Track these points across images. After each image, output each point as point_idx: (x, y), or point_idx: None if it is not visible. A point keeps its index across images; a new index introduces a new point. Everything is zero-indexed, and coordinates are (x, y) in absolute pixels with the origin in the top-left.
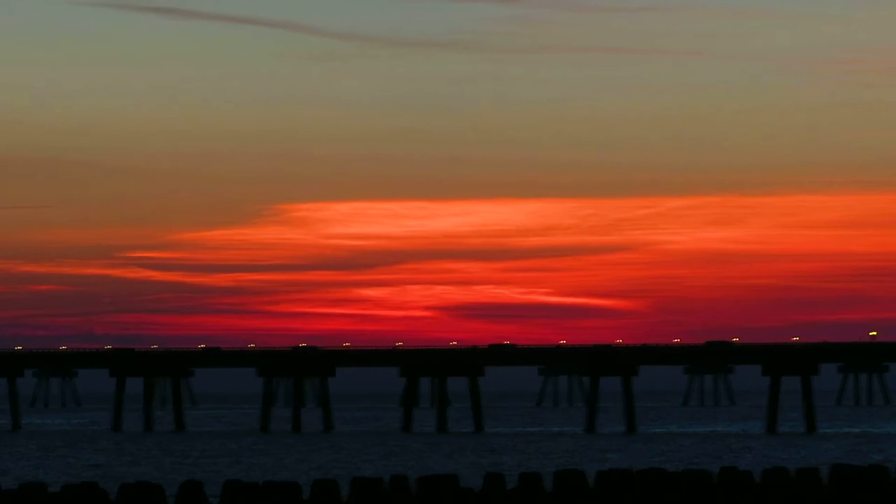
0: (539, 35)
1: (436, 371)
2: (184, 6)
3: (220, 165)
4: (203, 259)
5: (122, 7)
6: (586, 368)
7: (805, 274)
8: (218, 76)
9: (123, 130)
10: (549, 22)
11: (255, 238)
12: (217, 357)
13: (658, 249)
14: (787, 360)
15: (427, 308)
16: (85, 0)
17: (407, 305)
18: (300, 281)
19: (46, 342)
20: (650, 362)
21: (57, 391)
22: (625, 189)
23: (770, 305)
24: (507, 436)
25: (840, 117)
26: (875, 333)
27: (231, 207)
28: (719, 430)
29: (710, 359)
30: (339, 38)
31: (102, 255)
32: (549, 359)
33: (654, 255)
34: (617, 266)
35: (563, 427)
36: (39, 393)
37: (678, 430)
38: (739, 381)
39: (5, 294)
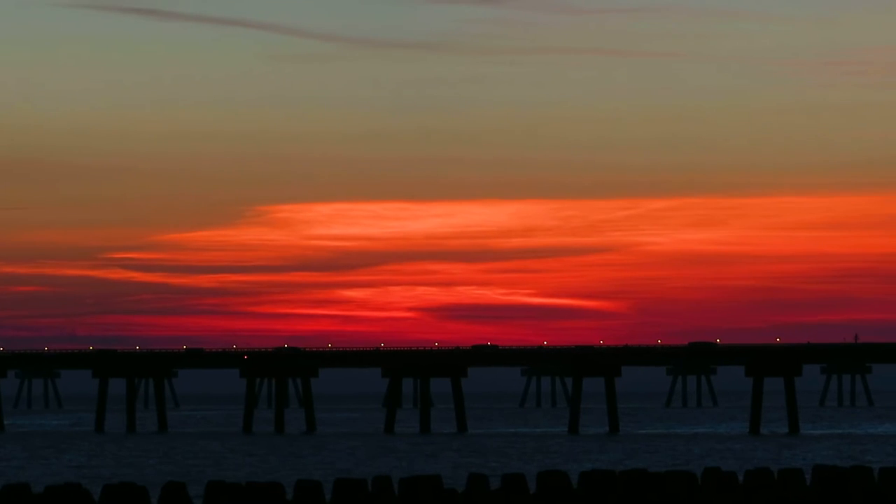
0: (521, 36)
1: (418, 372)
2: (165, 7)
3: (202, 166)
4: (185, 260)
5: (103, 8)
6: (569, 369)
7: (787, 275)
8: (199, 77)
9: (105, 131)
10: (530, 23)
11: (238, 239)
12: (200, 358)
13: (640, 251)
14: (770, 361)
15: (409, 309)
16: (66, 1)
17: (389, 306)
18: (282, 282)
19: (29, 343)
20: (633, 363)
21: (40, 392)
22: (606, 190)
23: (752, 307)
24: (491, 437)
25: (822, 118)
26: (858, 334)
27: (213, 209)
28: (702, 431)
29: (692, 360)
30: (321, 39)
31: (85, 257)
32: (532, 360)
33: (635, 256)
34: (599, 267)
35: (546, 428)
36: (22, 394)
37: (661, 431)
38: (722, 382)
39: None
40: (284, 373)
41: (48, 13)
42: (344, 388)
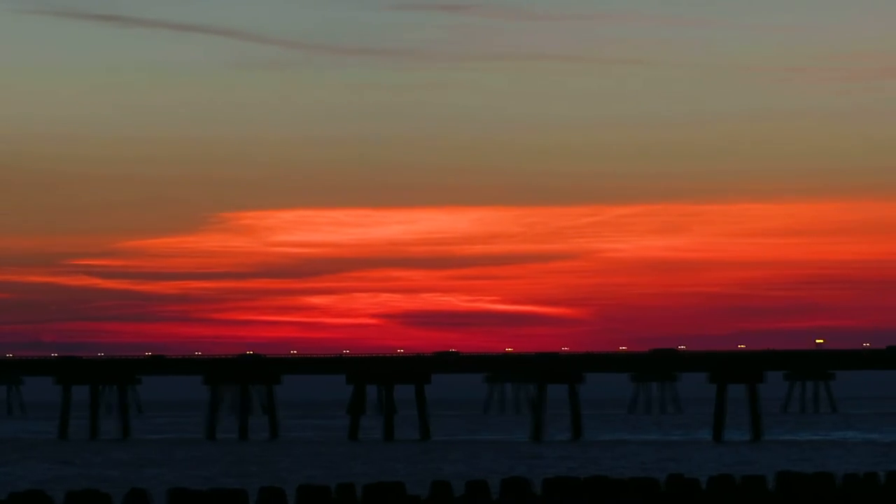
0: (483, 43)
1: (382, 379)
2: (127, 14)
3: (164, 173)
4: (148, 267)
5: (65, 15)
6: (533, 376)
7: (750, 282)
8: (162, 84)
9: (68, 138)
10: (492, 30)
11: (201, 246)
12: (163, 365)
13: (602, 257)
14: (733, 368)
15: (373, 316)
16: (28, 8)
17: (352, 313)
18: (246, 289)
19: None
20: (596, 370)
21: (3, 398)
22: (569, 197)
23: (715, 313)
24: (454, 443)
25: (784, 125)
26: (822, 341)
27: (176, 215)
28: (665, 438)
29: (656, 366)
30: (284, 45)
31: (48, 263)
32: (496, 366)
33: (598, 262)
34: (562, 274)
35: (509, 434)
36: None
37: (624, 438)
38: (685, 388)
39: None
40: (248, 379)
41: (9, 20)
42: (308, 395)
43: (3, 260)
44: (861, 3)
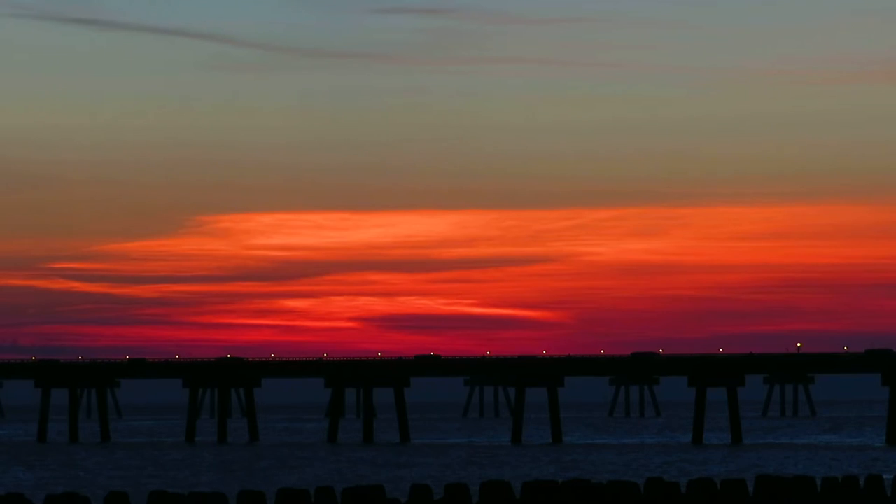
0: (463, 46)
1: (361, 382)
2: (105, 17)
3: (143, 176)
4: (127, 270)
5: (44, 18)
6: (512, 379)
7: (730, 285)
8: (140, 87)
9: (46, 141)
10: (472, 33)
11: (179, 249)
12: (143, 368)
13: (581, 261)
14: (712, 372)
15: (351, 319)
16: (6, 11)
17: (331, 316)
18: (224, 292)
19: None
20: (576, 373)
21: None
22: (547, 200)
23: (695, 317)
24: (434, 447)
25: (762, 128)
26: (801, 345)
27: (154, 219)
28: (645, 442)
29: (635, 370)
30: (261, 48)
31: (26, 267)
32: (475, 370)
33: (577, 266)
34: (540, 277)
35: (488, 438)
36: None
37: (604, 441)
38: (665, 392)
39: None
40: (227, 383)
41: None
42: (287, 398)
43: None
44: (837, 9)
